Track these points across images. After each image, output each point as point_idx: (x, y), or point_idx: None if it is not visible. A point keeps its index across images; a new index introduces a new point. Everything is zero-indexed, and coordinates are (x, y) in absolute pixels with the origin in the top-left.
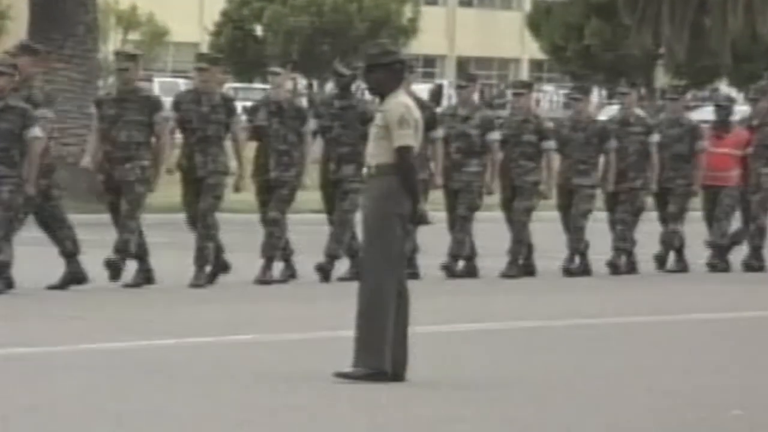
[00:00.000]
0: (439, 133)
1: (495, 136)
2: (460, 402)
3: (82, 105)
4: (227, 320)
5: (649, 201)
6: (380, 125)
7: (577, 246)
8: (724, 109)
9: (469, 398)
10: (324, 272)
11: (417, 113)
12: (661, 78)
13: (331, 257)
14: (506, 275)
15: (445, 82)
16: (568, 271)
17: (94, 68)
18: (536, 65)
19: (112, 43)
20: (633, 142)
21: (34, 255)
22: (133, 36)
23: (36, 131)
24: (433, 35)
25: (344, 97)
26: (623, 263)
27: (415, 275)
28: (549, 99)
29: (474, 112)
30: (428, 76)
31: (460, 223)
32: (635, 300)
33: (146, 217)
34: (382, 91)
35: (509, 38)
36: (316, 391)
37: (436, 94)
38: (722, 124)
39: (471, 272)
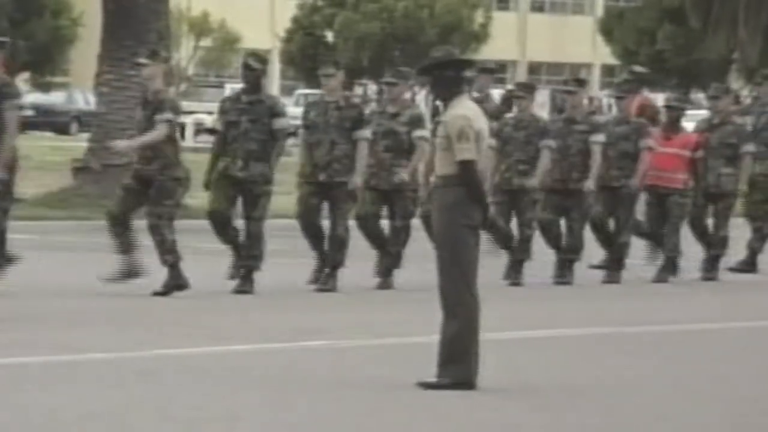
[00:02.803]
0: (365, 133)
1: (422, 132)
2: (529, 409)
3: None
4: (297, 327)
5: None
6: (442, 136)
7: (524, 256)
8: (674, 109)
9: (538, 405)
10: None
11: (479, 123)
12: (734, 82)
13: (250, 268)
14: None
15: (514, 88)
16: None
17: (167, 75)
18: (608, 70)
19: (184, 50)
20: (577, 141)
21: (108, 261)
22: (205, 42)
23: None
24: (504, 41)
25: (253, 92)
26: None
27: None
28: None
29: (403, 109)
30: (499, 81)
31: (395, 234)
32: (706, 306)
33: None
34: (442, 97)
35: (581, 43)
36: (385, 398)
37: (507, 100)
38: (671, 125)
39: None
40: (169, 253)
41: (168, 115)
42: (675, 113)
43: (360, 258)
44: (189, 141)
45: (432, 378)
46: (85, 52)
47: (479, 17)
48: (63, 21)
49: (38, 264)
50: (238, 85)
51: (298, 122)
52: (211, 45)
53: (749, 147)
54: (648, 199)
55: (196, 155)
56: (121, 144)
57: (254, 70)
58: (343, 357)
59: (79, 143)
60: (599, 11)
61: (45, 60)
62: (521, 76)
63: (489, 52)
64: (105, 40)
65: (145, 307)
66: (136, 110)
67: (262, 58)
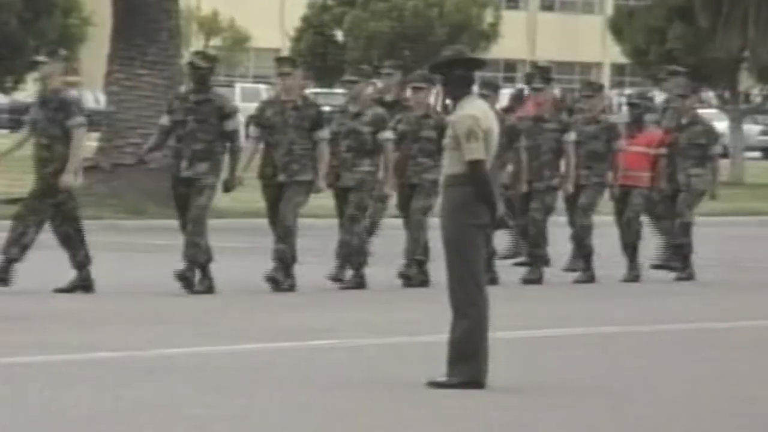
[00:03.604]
0: (325, 134)
1: (387, 135)
2: (540, 408)
3: (164, 110)
4: (307, 326)
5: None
6: (451, 136)
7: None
8: (637, 107)
9: (549, 404)
10: (406, 278)
11: (488, 122)
12: (745, 81)
13: (191, 259)
14: (403, 275)
15: (525, 87)
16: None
17: (177, 74)
18: (618, 69)
19: (194, 49)
20: (548, 140)
21: (118, 260)
22: (215, 42)
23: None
24: (514, 40)
25: (200, 91)
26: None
27: (494, 280)
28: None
29: (366, 108)
30: (509, 80)
31: (348, 224)
32: (716, 306)
33: (229, 222)
34: (452, 96)
35: (591, 42)
36: (396, 396)
37: (517, 99)
38: (635, 123)
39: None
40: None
41: (79, 119)
42: (639, 111)
43: (374, 259)
44: None
45: (442, 377)
46: (95, 51)
47: (489, 16)
48: (73, 20)
49: (48, 263)
50: (248, 85)
51: None
52: (220, 44)
53: (718, 148)
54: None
55: None
56: (66, 179)
57: (200, 68)
58: (354, 356)
59: (89, 142)
60: (609, 10)
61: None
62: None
63: (498, 51)
64: (115, 39)
65: (155, 307)
66: (31, 109)
67: (209, 56)
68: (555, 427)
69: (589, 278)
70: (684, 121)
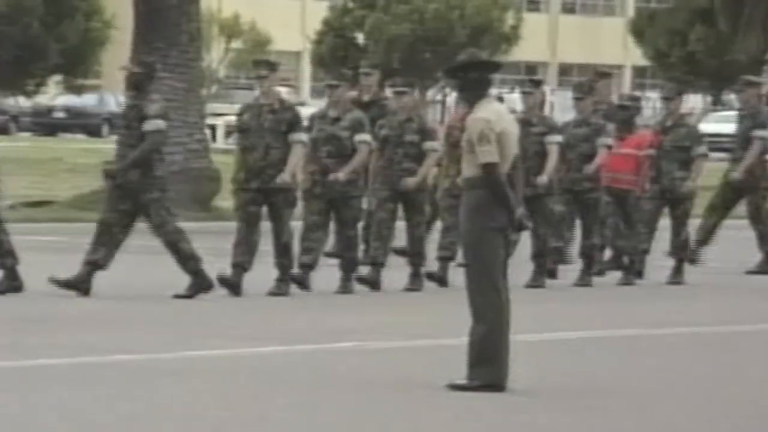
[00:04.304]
0: (301, 136)
1: (364, 137)
2: (560, 410)
3: (185, 113)
4: (327, 328)
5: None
6: (466, 139)
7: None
8: (627, 109)
9: (569, 406)
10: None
11: (502, 125)
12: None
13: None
14: (410, 288)
15: (546, 89)
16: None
17: (198, 77)
18: (639, 72)
19: (215, 52)
20: (533, 143)
21: (136, 262)
22: (236, 44)
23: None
24: (535, 42)
25: (134, 97)
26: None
27: (552, 273)
28: (652, 106)
29: (345, 113)
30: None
31: (346, 243)
32: (735, 308)
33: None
34: (468, 100)
35: (612, 45)
36: (416, 399)
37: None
38: (625, 125)
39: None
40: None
41: None
42: (628, 113)
43: (391, 261)
44: (220, 143)
45: (462, 380)
46: (117, 54)
47: (510, 19)
48: (95, 23)
49: (68, 266)
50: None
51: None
52: (241, 47)
53: (702, 149)
54: (606, 200)
55: (226, 157)
56: None
57: (134, 73)
58: (373, 358)
59: (110, 145)
60: (630, 12)
61: (77, 62)
62: (552, 77)
63: (519, 53)
64: (136, 42)
65: (173, 309)
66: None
67: (147, 61)
68: (573, 430)
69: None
70: (669, 123)
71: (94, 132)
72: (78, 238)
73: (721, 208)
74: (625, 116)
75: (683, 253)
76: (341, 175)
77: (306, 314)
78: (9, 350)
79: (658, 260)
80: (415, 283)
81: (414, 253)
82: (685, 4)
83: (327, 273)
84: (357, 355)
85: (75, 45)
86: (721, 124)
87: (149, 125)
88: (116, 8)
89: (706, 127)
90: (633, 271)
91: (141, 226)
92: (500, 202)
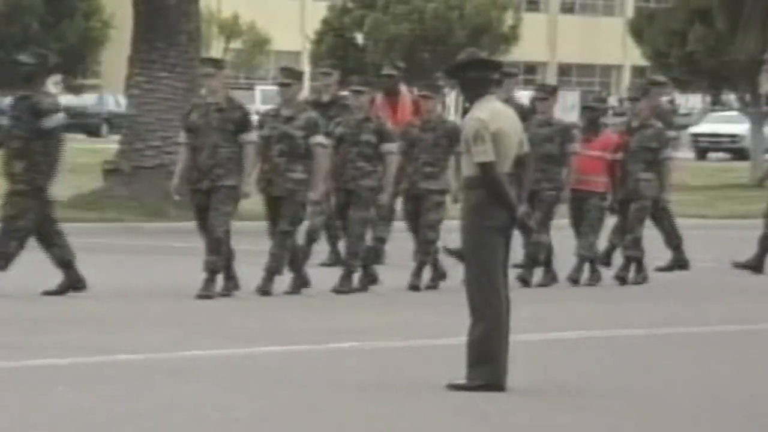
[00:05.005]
0: (251, 136)
1: (319, 139)
2: (561, 410)
3: (184, 112)
4: (328, 328)
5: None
6: (463, 139)
7: (426, 259)
8: (593, 110)
9: (570, 407)
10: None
11: (498, 124)
12: (766, 83)
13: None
14: (339, 291)
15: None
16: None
17: (197, 77)
18: (638, 71)
19: (214, 52)
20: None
21: (138, 262)
22: (235, 44)
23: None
24: (534, 42)
25: (23, 90)
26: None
27: (554, 278)
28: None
29: (299, 112)
30: (529, 83)
31: (279, 239)
32: (734, 308)
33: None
34: (468, 99)
35: (611, 44)
36: (416, 399)
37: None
38: (591, 127)
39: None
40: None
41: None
42: (594, 114)
43: (393, 261)
44: None
45: (462, 380)
46: (116, 54)
47: (509, 19)
48: (94, 23)
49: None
50: (269, 87)
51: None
52: (241, 47)
53: (667, 152)
54: (570, 206)
55: None
56: None
57: (23, 65)
58: (374, 358)
59: (110, 145)
60: (629, 12)
61: (76, 62)
62: (551, 77)
63: (519, 53)
64: (136, 42)
65: (175, 309)
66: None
67: (39, 52)
68: (573, 430)
69: (551, 280)
70: (635, 124)
71: (93, 132)
72: (77, 238)
73: None
74: (592, 117)
75: (634, 251)
76: (314, 195)
77: (306, 314)
78: (12, 350)
79: (653, 260)
80: (344, 284)
81: (350, 253)
82: (684, 4)
83: (327, 274)
84: (356, 355)
85: (74, 45)
86: (720, 124)
87: (48, 122)
88: (115, 8)
89: (705, 127)
90: (594, 269)
91: (143, 226)
92: (499, 201)
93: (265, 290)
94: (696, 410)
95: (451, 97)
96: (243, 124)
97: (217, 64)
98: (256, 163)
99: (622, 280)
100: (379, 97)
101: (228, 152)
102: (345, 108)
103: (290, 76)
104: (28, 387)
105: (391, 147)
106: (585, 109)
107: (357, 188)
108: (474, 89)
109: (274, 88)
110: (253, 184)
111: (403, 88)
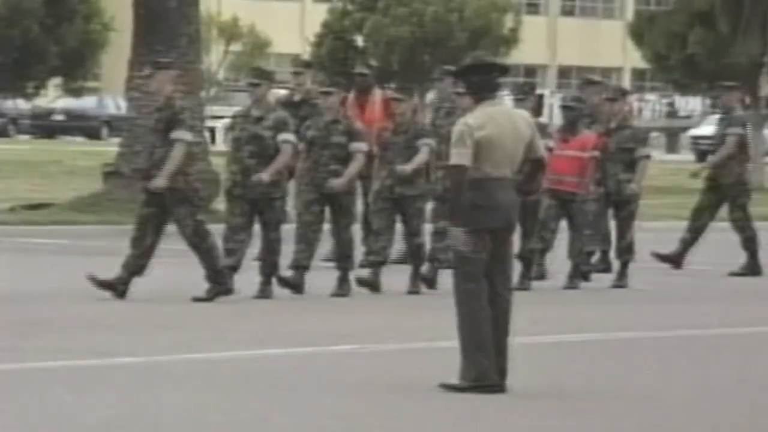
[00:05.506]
0: (179, 134)
1: (287, 136)
2: (560, 413)
3: None
4: (326, 331)
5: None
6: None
7: (420, 264)
8: (571, 110)
9: (569, 409)
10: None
11: (488, 130)
12: (766, 86)
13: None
14: (338, 294)
15: (546, 92)
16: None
17: (197, 79)
18: (638, 74)
19: (214, 55)
20: None
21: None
22: (235, 47)
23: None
24: (534, 45)
25: None
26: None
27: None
28: (651, 108)
29: (268, 113)
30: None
31: (269, 246)
32: (736, 311)
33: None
34: (474, 102)
35: (611, 47)
36: (415, 401)
37: (538, 104)
38: (569, 126)
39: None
40: None
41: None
42: (572, 114)
43: (390, 264)
44: (220, 145)
45: (454, 380)
46: (116, 56)
47: (509, 21)
48: (94, 26)
49: (68, 268)
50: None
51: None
52: (241, 49)
53: (645, 151)
54: (549, 203)
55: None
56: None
57: None
58: (372, 361)
59: (109, 148)
60: (629, 15)
61: (76, 65)
62: (551, 80)
63: (519, 56)
64: (136, 44)
65: (175, 312)
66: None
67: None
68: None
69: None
70: (613, 125)
71: (93, 134)
72: (77, 241)
73: None
74: (570, 117)
75: (628, 255)
76: (265, 176)
77: (305, 317)
78: (11, 353)
79: (650, 263)
80: (342, 288)
81: (342, 257)
82: (685, 6)
83: (326, 276)
84: (356, 358)
85: (74, 48)
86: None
87: None
88: (115, 11)
89: (705, 129)
90: (578, 274)
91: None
92: (452, 204)
93: (263, 294)
94: (696, 413)
95: (426, 99)
96: (172, 121)
97: (156, 64)
98: (178, 162)
99: (620, 286)
100: (351, 96)
101: (163, 153)
102: (315, 107)
103: (260, 76)
104: (25, 390)
105: (360, 146)
106: (564, 108)
107: (335, 195)
108: (478, 93)
109: (275, 90)
110: (164, 176)
111: (376, 89)
